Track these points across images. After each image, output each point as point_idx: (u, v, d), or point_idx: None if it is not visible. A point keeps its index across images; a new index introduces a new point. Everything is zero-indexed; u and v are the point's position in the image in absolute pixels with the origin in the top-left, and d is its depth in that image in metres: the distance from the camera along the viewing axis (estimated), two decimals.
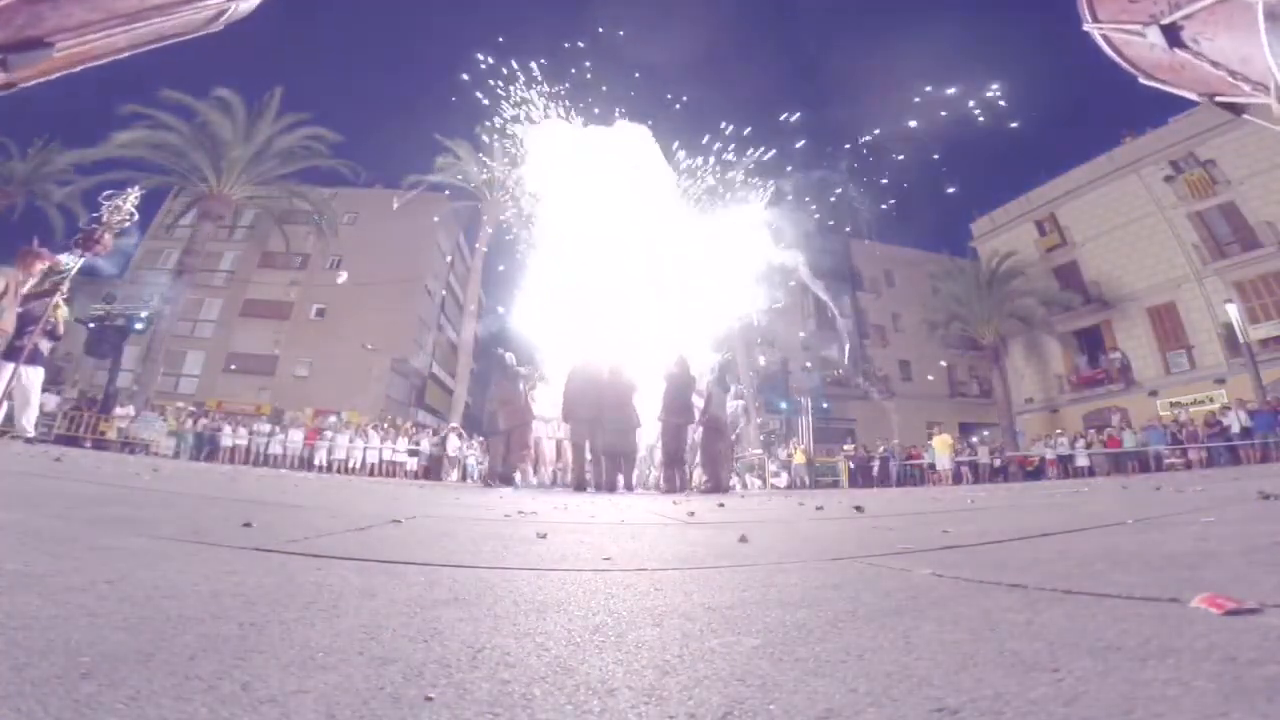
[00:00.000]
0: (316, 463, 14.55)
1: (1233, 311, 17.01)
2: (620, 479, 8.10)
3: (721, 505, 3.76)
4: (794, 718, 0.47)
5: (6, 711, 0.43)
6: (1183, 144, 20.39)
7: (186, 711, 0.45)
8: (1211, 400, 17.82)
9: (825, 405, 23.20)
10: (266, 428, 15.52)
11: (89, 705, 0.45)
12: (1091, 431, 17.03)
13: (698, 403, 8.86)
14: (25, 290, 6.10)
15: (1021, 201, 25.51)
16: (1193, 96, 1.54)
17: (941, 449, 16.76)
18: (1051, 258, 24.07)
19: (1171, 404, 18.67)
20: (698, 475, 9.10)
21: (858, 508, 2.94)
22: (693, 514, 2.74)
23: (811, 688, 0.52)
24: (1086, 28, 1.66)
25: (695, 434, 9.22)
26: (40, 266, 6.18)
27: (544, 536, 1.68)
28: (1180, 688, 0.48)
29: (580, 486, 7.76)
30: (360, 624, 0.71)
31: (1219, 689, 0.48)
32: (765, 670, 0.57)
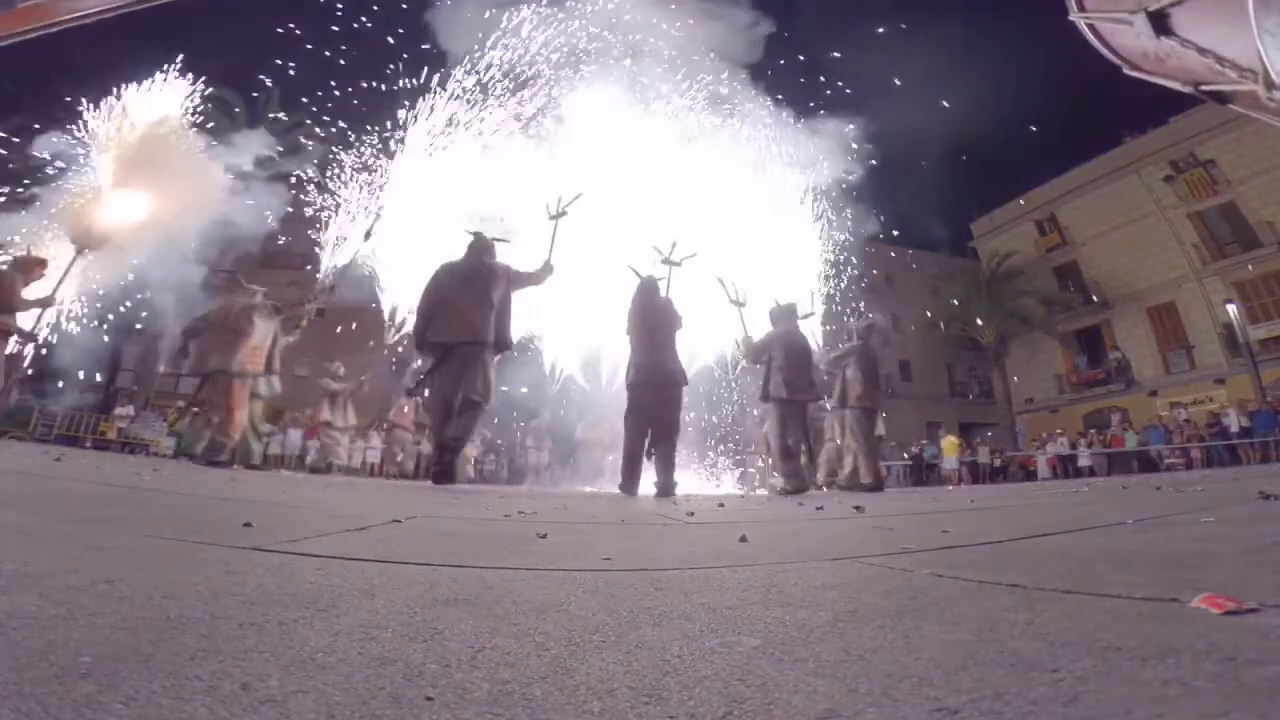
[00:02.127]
0: (309, 462, 14.53)
1: (1233, 311, 17.02)
2: (658, 474, 5.24)
3: (721, 505, 3.76)
4: (794, 718, 0.47)
5: (6, 711, 0.43)
6: (1183, 144, 20.39)
7: (186, 711, 0.45)
8: (1211, 400, 17.82)
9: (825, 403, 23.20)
10: (267, 428, 15.50)
11: (89, 705, 0.45)
12: (1092, 431, 17.06)
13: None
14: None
15: (1021, 201, 25.51)
16: (1178, 86, 1.55)
17: (950, 450, 16.88)
18: (1051, 258, 24.09)
19: (1171, 404, 18.67)
20: (824, 469, 7.06)
21: (858, 508, 2.94)
22: (693, 514, 2.74)
23: (811, 688, 0.52)
24: (1072, 17, 1.67)
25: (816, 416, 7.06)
26: (41, 272, 6.20)
27: (544, 536, 1.68)
28: (1180, 688, 0.48)
29: (441, 475, 5.01)
30: (360, 624, 0.71)
31: (1219, 689, 0.48)
32: (765, 670, 0.57)
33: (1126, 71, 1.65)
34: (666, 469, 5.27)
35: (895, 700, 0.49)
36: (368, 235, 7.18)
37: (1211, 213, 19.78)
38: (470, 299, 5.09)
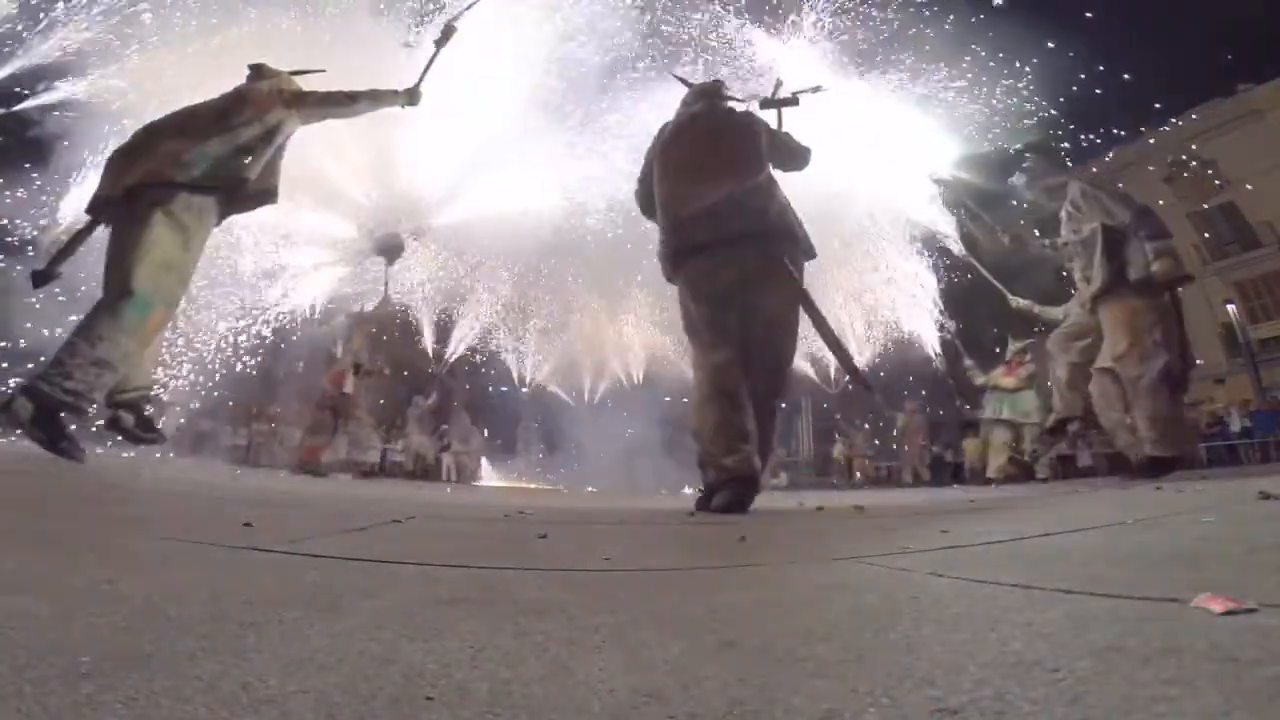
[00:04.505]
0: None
1: (1233, 311, 17.03)
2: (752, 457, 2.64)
3: None
4: (794, 718, 0.47)
5: (6, 711, 0.43)
6: (1183, 144, 20.40)
7: (186, 711, 0.45)
8: (1212, 400, 17.82)
9: (825, 405, 23.21)
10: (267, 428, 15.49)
11: (89, 705, 0.45)
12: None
13: None
14: None
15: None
16: None
17: (972, 452, 16.88)
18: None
19: None
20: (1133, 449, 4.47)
21: (858, 507, 2.94)
22: (692, 514, 2.74)
23: (811, 688, 0.52)
24: None
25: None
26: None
27: (544, 536, 1.68)
28: (1180, 688, 0.48)
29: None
30: (360, 624, 0.71)
31: (1219, 689, 0.47)
32: (765, 670, 0.57)
33: None
34: (765, 443, 2.83)
35: (895, 700, 0.49)
36: None
37: (1211, 213, 19.79)
38: (167, 134, 3.34)
